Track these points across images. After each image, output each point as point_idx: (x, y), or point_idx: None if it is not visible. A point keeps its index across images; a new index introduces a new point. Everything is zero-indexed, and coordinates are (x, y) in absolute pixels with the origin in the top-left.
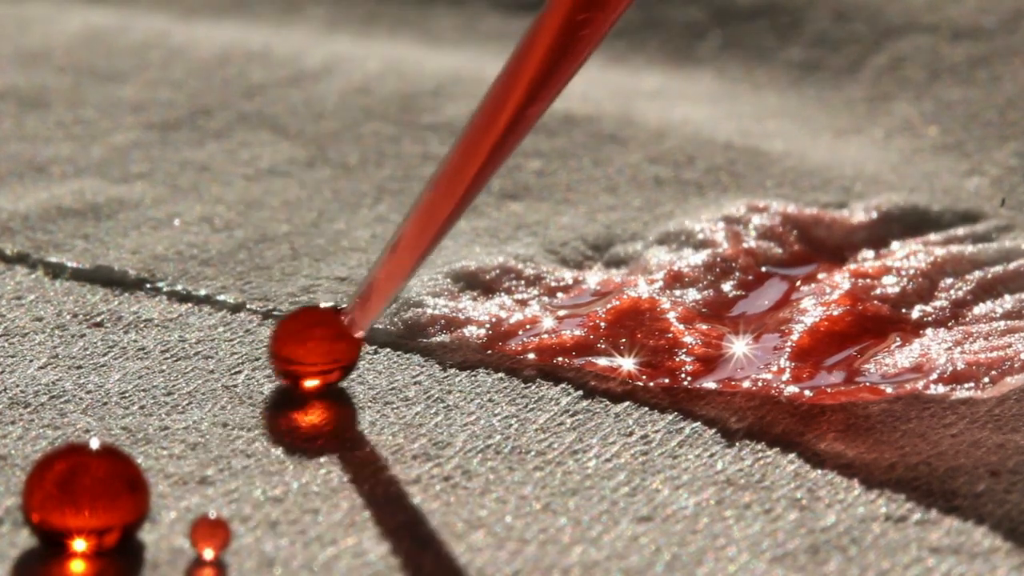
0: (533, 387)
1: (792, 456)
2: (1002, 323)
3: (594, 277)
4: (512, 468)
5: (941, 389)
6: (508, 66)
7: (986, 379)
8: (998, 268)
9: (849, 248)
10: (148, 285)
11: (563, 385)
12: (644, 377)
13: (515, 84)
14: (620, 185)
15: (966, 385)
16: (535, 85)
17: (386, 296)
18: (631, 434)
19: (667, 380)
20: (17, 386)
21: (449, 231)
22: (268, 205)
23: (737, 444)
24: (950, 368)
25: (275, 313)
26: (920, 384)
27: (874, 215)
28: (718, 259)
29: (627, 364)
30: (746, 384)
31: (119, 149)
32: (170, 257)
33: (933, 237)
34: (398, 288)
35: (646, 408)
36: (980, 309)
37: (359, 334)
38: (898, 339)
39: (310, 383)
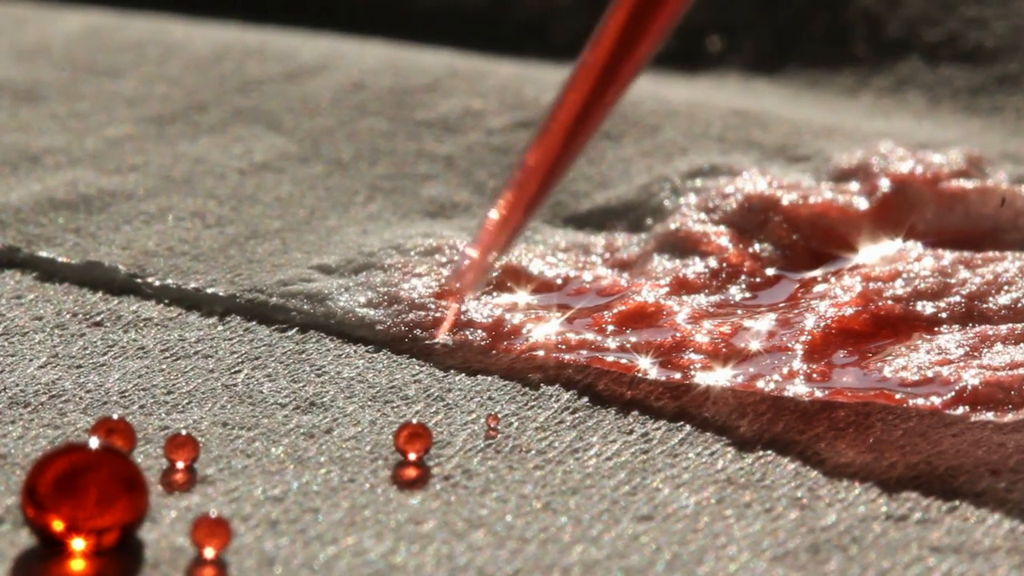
0: (533, 385)
1: (793, 455)
2: (1019, 326)
3: (597, 279)
4: (512, 467)
5: (960, 410)
6: (593, 41)
7: (1009, 405)
8: (1010, 266)
9: (856, 241)
10: (139, 280)
11: (563, 383)
12: (653, 374)
13: (594, 59)
14: (613, 179)
15: (986, 408)
16: (616, 54)
17: (493, 251)
18: (631, 432)
19: (678, 376)
20: (17, 385)
21: (542, 204)
22: (261, 201)
23: (738, 443)
24: (969, 388)
25: (264, 307)
26: (939, 401)
27: (879, 203)
28: (724, 264)
29: (635, 361)
30: (759, 384)
31: (113, 142)
32: (160, 253)
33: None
34: (506, 243)
35: (646, 406)
36: (994, 304)
37: (469, 293)
38: (917, 340)
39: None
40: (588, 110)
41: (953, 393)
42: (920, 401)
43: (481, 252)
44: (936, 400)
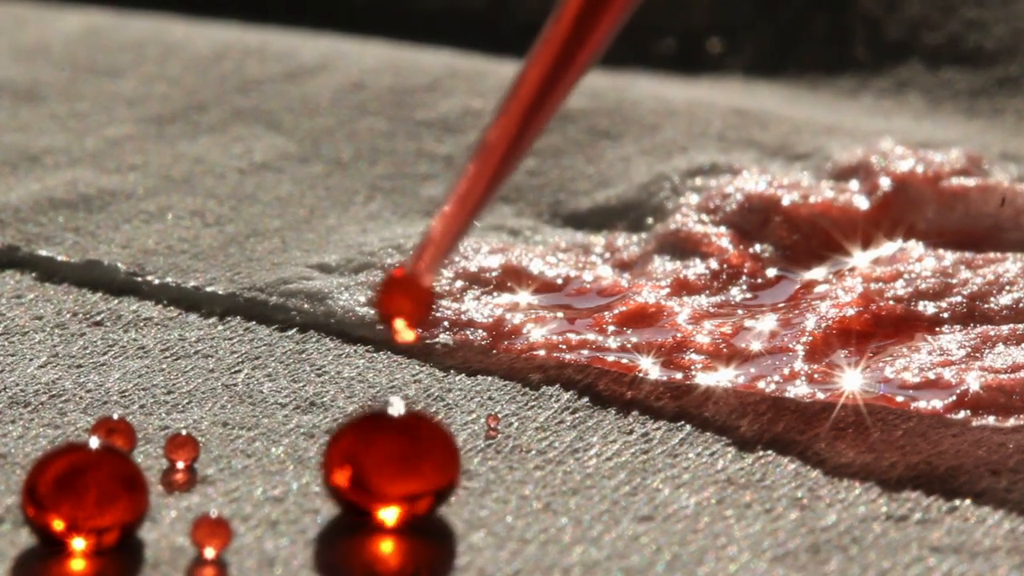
0: (533, 385)
1: (793, 455)
2: (1021, 326)
3: (598, 279)
4: (512, 467)
5: (962, 415)
6: (549, 22)
7: (1011, 409)
8: (1012, 267)
9: (857, 237)
10: (138, 278)
11: (563, 383)
12: (653, 374)
13: (554, 34)
14: (613, 179)
15: (988, 412)
16: (574, 33)
17: (446, 243)
18: (632, 432)
19: (679, 376)
20: (17, 385)
21: (502, 182)
22: (260, 200)
23: (738, 443)
24: (971, 392)
25: (259, 302)
26: (940, 405)
27: (879, 203)
28: (724, 266)
29: (635, 361)
30: (760, 384)
31: (113, 141)
32: (160, 251)
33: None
34: (458, 235)
35: (647, 406)
36: (995, 305)
37: (428, 282)
38: (918, 340)
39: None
40: (550, 86)
41: (955, 397)
42: (922, 404)
43: (441, 231)
44: (938, 404)
